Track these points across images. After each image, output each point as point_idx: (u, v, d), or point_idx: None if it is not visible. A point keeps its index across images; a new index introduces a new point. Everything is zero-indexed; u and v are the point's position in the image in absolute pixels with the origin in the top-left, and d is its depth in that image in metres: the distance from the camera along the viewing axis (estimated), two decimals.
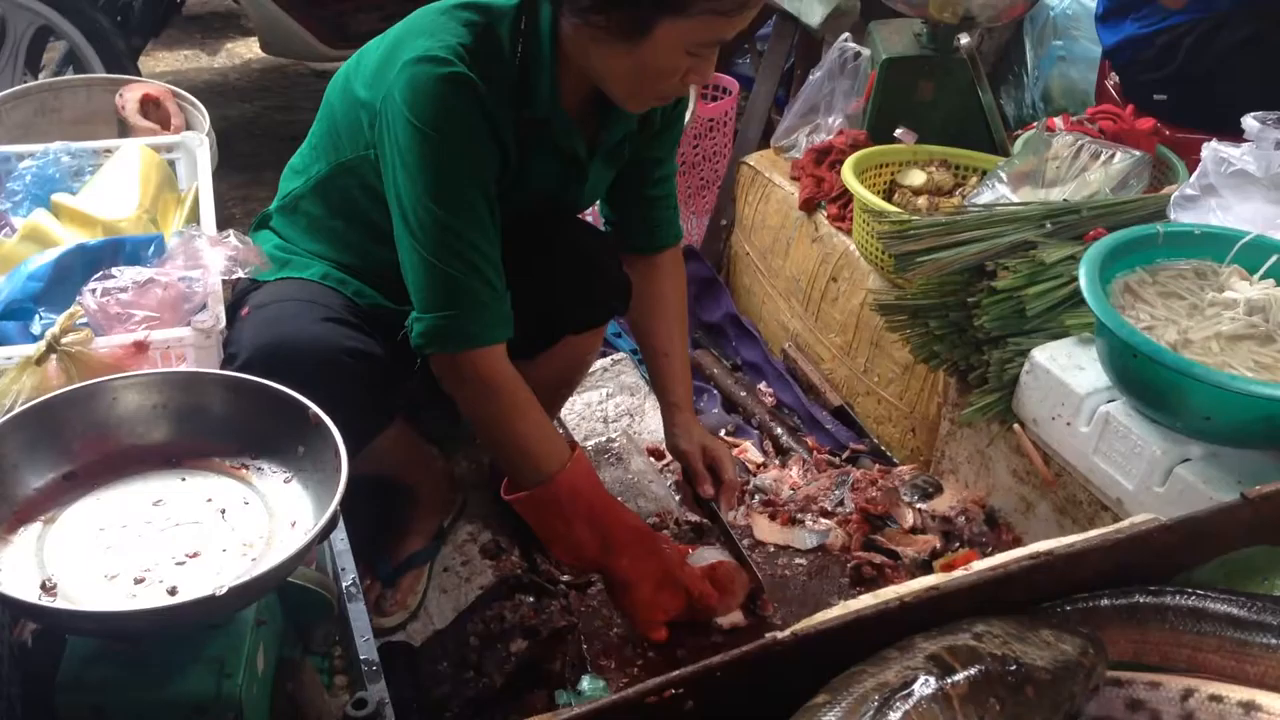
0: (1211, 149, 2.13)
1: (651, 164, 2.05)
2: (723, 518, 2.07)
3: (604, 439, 2.60)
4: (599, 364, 2.85)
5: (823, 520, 2.24)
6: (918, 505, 2.27)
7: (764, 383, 2.87)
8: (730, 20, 1.62)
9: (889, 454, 2.56)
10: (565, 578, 2.16)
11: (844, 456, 2.56)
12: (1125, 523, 1.26)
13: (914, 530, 2.22)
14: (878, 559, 2.14)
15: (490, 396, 1.77)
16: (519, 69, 1.72)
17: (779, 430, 2.64)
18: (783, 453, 2.58)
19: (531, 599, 2.05)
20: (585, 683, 1.75)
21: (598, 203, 2.12)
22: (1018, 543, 2.11)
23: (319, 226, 1.94)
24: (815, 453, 2.56)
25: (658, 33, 1.60)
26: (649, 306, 2.13)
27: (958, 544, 2.15)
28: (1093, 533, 1.20)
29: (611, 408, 2.76)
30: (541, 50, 1.71)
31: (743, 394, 2.77)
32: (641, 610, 1.86)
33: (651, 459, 2.56)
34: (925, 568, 2.10)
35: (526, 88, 1.73)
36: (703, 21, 1.59)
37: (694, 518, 2.23)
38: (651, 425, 2.67)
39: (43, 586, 1.17)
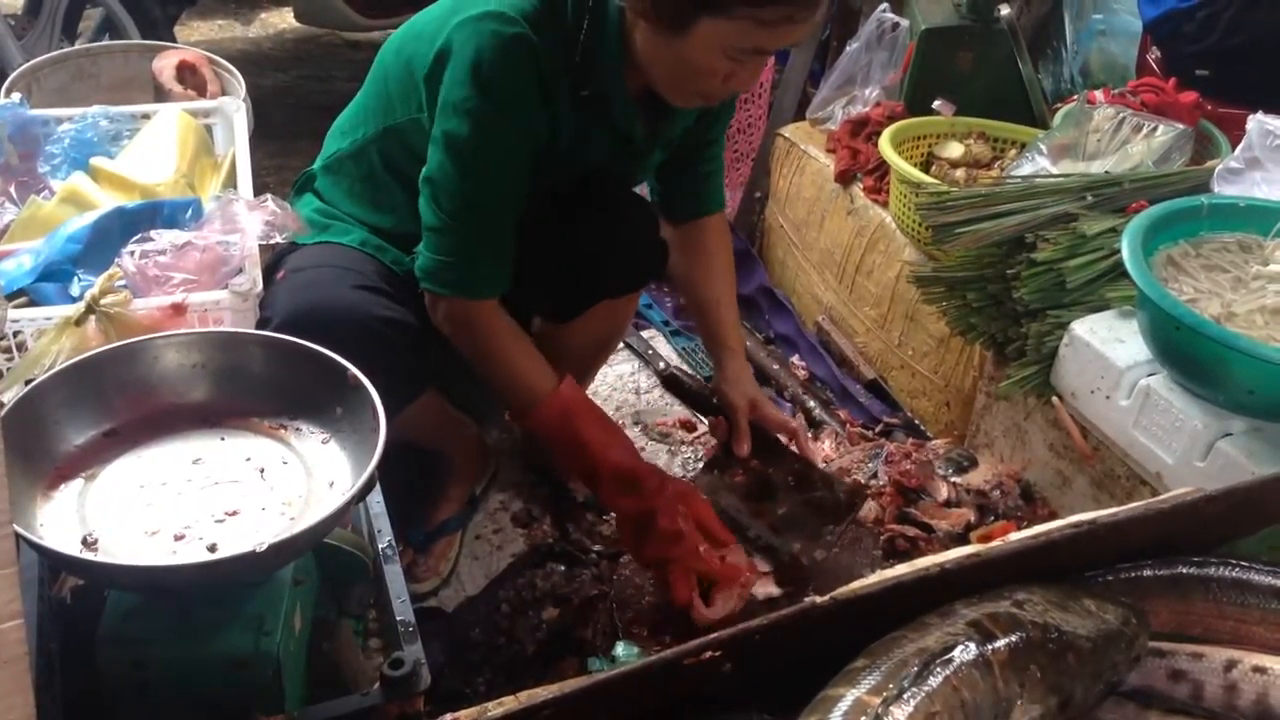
0: (1257, 121, 2.10)
1: (705, 145, 2.07)
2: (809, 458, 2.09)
3: (635, 410, 2.63)
4: (631, 338, 2.85)
5: None
6: (952, 479, 2.25)
7: (797, 356, 2.86)
8: (772, 32, 1.60)
9: (923, 428, 2.54)
10: (597, 547, 2.17)
11: (877, 430, 2.55)
12: (1169, 494, 1.24)
13: (948, 504, 2.20)
14: (911, 532, 2.13)
15: (472, 337, 1.81)
16: (582, 44, 1.70)
17: (812, 404, 2.62)
18: (815, 426, 2.56)
19: (563, 567, 2.06)
20: (620, 648, 1.75)
21: None
22: (1053, 517, 2.09)
23: (361, 188, 1.94)
24: (848, 426, 2.54)
25: (698, 30, 1.60)
26: (697, 261, 2.13)
27: (993, 517, 2.14)
28: (1136, 503, 1.19)
29: (644, 379, 2.76)
30: (607, 29, 1.70)
31: (775, 367, 2.76)
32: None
33: (683, 431, 2.56)
34: (960, 541, 2.08)
35: (589, 64, 1.72)
36: (743, 27, 1.58)
37: None
38: None
39: (84, 542, 1.18)
